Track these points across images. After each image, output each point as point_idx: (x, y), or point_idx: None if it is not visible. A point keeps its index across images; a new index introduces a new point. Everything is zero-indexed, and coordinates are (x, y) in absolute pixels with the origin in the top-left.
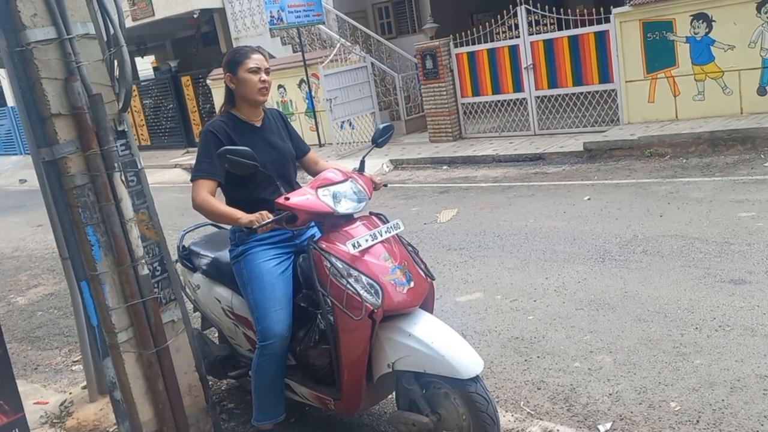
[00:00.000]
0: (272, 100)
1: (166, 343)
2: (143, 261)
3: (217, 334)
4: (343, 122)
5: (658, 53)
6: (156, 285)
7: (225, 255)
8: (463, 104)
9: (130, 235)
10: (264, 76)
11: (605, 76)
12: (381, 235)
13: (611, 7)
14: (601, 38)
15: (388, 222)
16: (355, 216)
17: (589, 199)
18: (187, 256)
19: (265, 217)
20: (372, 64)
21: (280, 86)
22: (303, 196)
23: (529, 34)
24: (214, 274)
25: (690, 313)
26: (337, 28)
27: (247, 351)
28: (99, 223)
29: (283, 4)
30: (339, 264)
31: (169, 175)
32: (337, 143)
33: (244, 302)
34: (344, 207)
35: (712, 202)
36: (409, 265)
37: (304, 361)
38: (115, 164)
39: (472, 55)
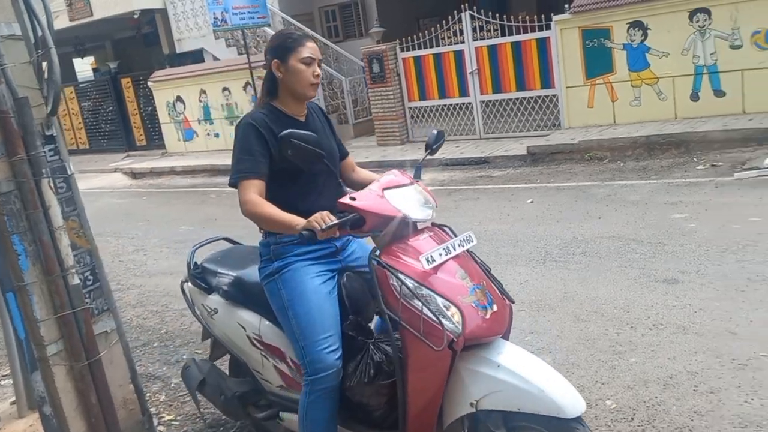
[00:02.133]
0: (216, 103)
1: (99, 354)
2: (74, 270)
3: (228, 364)
4: None
5: (597, 60)
6: (88, 295)
7: (251, 274)
8: (411, 108)
9: (59, 244)
10: (317, 69)
11: (547, 81)
12: (454, 249)
13: (552, 14)
14: (543, 45)
15: (455, 234)
16: (419, 227)
17: (532, 201)
18: (200, 275)
19: (326, 218)
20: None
21: (224, 89)
22: (370, 197)
23: (474, 40)
24: (237, 297)
25: (626, 313)
26: None
27: (278, 387)
28: (26, 231)
29: (227, 6)
30: (410, 283)
31: (109, 179)
32: None
33: (275, 329)
34: (417, 213)
35: (647, 204)
36: (488, 285)
37: (357, 399)
38: (43, 170)
39: (418, 60)
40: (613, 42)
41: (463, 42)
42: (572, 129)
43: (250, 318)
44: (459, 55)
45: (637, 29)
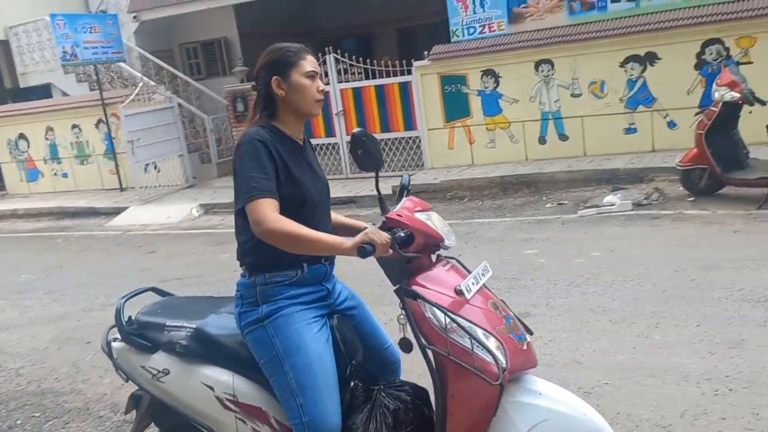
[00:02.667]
0: (65, 141)
1: None
2: None
3: None
4: (147, 165)
5: (455, 104)
6: None
7: (216, 323)
8: None
9: None
10: (320, 84)
11: (410, 123)
12: (480, 279)
13: (412, 60)
14: (405, 89)
15: (464, 266)
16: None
17: None
18: (137, 331)
19: (381, 233)
20: (179, 105)
21: (74, 126)
22: (413, 216)
23: (339, 82)
24: (199, 351)
25: None
26: (141, 67)
27: None
28: None
29: (77, 40)
30: (452, 315)
31: None
32: (141, 187)
33: (253, 385)
34: (450, 238)
35: (503, 240)
36: (514, 316)
37: None
38: None
39: None
40: (469, 88)
41: (328, 83)
42: (435, 169)
43: (218, 375)
44: (325, 96)
45: (489, 77)
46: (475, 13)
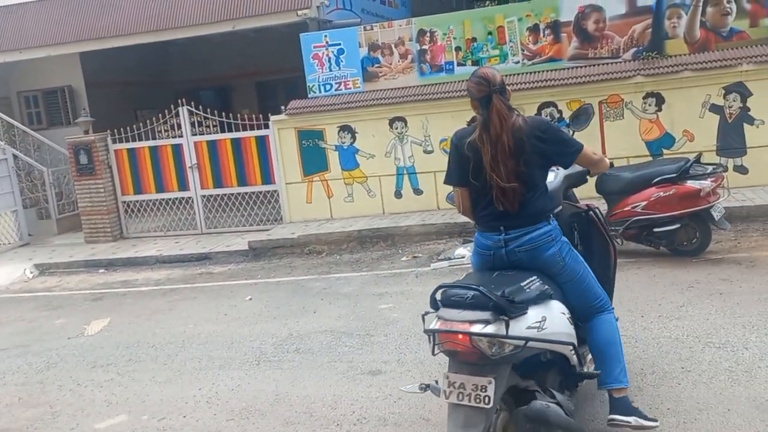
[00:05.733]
0: None
1: None
2: None
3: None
4: None
5: (313, 158)
6: None
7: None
8: (124, 202)
9: None
10: None
11: (268, 177)
12: None
13: (269, 114)
14: (262, 142)
15: None
16: None
17: (250, 299)
18: (511, 302)
19: None
20: (15, 156)
21: None
22: None
23: (193, 135)
24: (550, 294)
25: (333, 410)
26: None
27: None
28: None
29: None
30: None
31: None
32: None
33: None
34: None
35: (358, 295)
36: None
37: None
38: None
39: (132, 152)
40: (327, 143)
41: (181, 136)
42: (293, 224)
43: (560, 304)
44: (177, 149)
45: (346, 132)
46: (331, 70)
